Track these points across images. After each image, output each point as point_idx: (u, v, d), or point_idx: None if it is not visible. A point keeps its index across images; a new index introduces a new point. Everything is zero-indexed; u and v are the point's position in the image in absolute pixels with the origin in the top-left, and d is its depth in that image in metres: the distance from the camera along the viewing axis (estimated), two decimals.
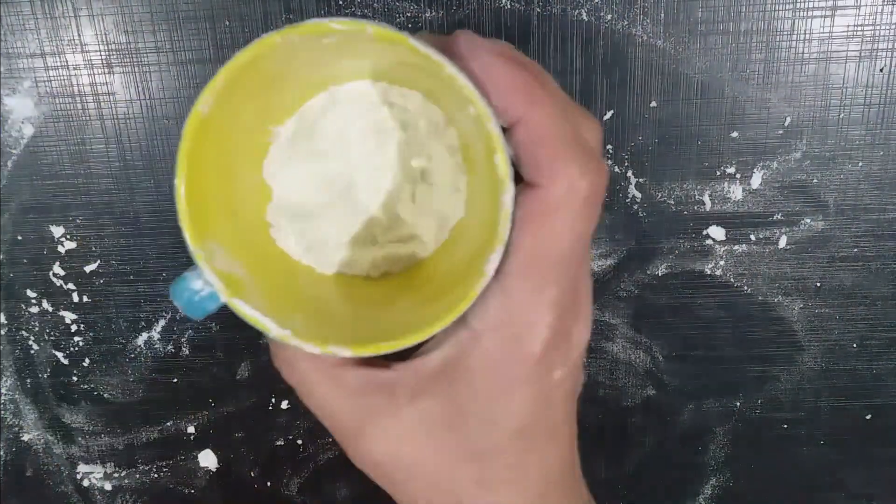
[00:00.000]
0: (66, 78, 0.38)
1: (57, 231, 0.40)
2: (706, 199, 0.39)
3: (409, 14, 0.37)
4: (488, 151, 0.22)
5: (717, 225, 0.39)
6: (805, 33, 0.37)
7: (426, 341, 0.25)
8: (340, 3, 0.36)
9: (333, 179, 0.28)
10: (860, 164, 0.38)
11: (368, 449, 0.25)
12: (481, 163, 0.24)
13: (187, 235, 0.24)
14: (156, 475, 0.44)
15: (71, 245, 0.40)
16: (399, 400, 0.25)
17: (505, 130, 0.22)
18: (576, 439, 0.27)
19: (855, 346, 0.41)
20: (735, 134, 0.38)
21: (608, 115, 0.38)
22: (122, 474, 0.44)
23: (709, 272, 0.40)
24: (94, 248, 0.40)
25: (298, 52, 0.24)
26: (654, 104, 0.38)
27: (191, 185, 0.24)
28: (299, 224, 0.28)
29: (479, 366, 0.24)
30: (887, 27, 0.36)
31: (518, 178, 0.23)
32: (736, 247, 0.40)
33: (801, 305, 0.41)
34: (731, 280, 0.40)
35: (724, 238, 0.40)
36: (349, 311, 0.27)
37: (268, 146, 0.27)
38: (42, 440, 0.44)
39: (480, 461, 0.25)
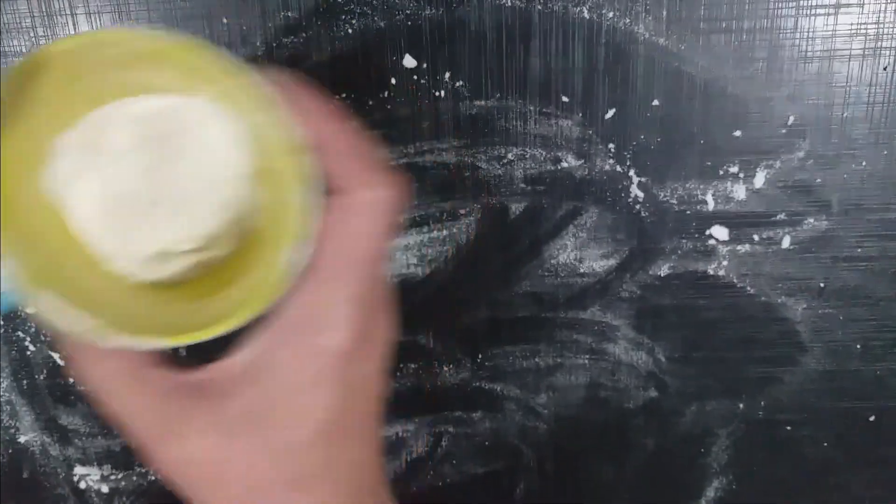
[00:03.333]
0: None
1: None
2: (709, 198, 0.39)
3: (408, 11, 0.36)
4: (289, 157, 0.23)
5: (720, 225, 0.39)
6: (808, 31, 0.36)
7: (240, 335, 0.25)
8: (339, 0, 0.36)
9: (124, 194, 0.26)
10: (864, 163, 0.38)
11: (177, 454, 0.25)
12: (278, 172, 0.25)
13: None
14: (153, 477, 0.44)
15: None
16: (210, 400, 0.25)
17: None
18: (381, 443, 0.28)
19: (859, 346, 0.41)
20: (738, 133, 0.38)
21: (610, 113, 0.38)
22: (120, 476, 0.44)
23: (712, 273, 0.40)
24: None
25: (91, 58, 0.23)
26: (656, 103, 0.37)
27: None
28: (98, 231, 0.27)
29: (284, 362, 0.24)
30: (891, 25, 0.36)
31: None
32: (739, 247, 0.39)
33: (805, 306, 0.40)
34: (734, 281, 0.40)
35: (727, 238, 0.39)
36: (158, 309, 0.27)
37: (45, 157, 0.26)
38: (39, 442, 0.44)
39: (292, 458, 0.25)
